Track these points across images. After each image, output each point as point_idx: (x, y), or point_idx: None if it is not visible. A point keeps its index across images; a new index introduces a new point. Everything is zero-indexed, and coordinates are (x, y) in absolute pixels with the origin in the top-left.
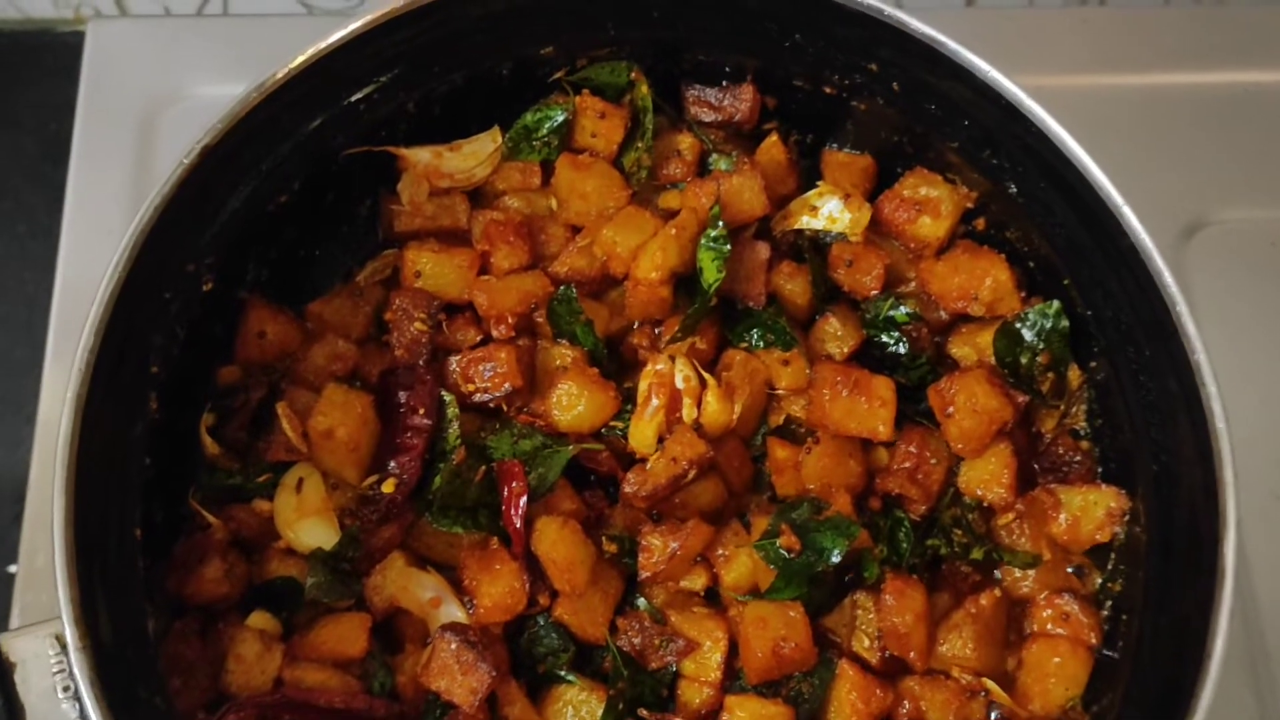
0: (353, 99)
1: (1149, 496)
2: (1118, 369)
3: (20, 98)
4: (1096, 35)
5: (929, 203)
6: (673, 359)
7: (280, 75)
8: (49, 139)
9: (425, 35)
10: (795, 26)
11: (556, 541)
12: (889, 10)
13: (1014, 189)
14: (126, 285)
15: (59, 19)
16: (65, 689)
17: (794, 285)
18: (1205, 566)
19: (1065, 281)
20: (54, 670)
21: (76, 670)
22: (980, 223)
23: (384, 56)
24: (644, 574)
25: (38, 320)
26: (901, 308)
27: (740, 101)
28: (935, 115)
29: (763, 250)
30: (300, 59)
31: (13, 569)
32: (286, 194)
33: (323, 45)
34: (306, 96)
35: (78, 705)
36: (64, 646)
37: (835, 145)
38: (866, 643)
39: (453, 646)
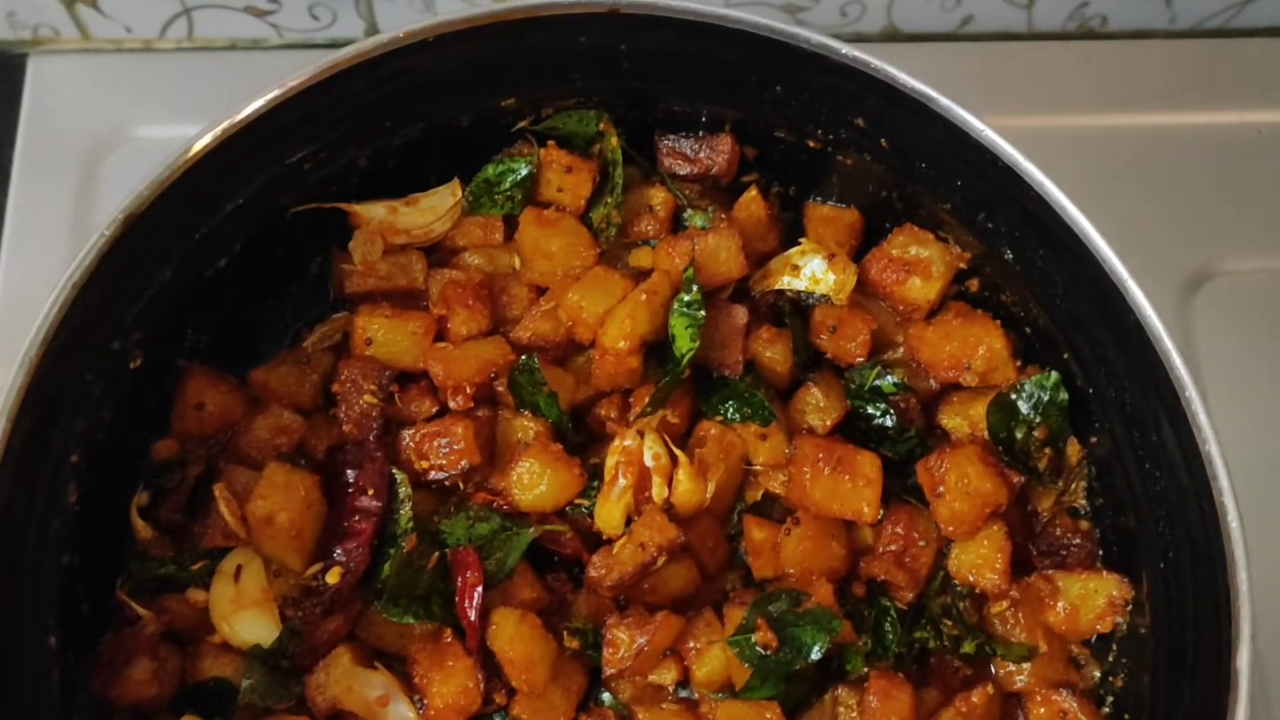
0: (297, 157)
1: (1156, 591)
2: (1120, 450)
3: None
4: (1098, 70)
5: (919, 263)
6: (641, 434)
7: (209, 138)
8: None
9: (377, 90)
10: (776, 78)
11: (514, 637)
12: (875, 63)
13: (1010, 255)
14: (39, 375)
15: (15, 39)
16: None
17: (773, 352)
18: (1217, 673)
19: (1065, 355)
20: None
21: None
22: (974, 284)
23: (332, 114)
24: (609, 670)
25: None
26: (889, 377)
27: (717, 154)
28: (927, 174)
29: (740, 315)
30: (238, 117)
31: None
32: (226, 257)
33: (260, 104)
34: (245, 157)
35: None
36: None
37: (819, 198)
38: None
39: None
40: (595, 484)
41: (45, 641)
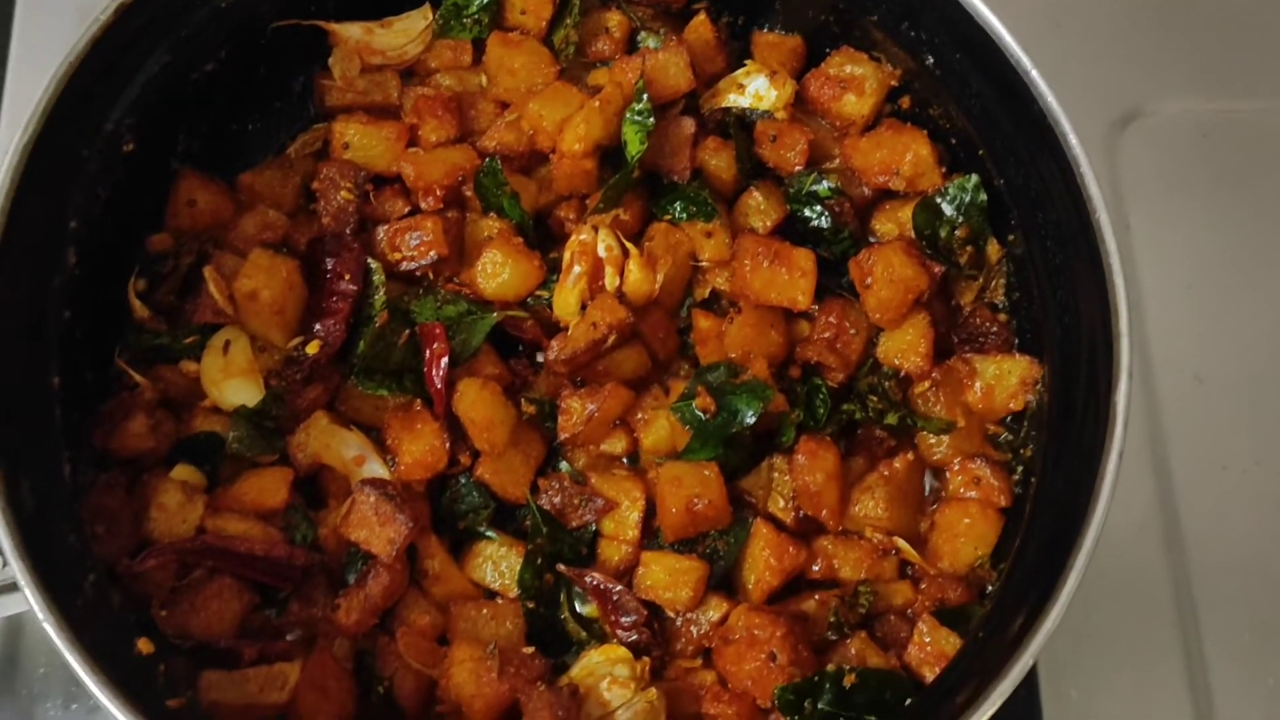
0: None
1: (1054, 357)
2: (1029, 239)
3: None
4: None
5: (854, 80)
6: (596, 229)
7: None
8: None
9: None
10: None
11: (476, 401)
12: None
13: (931, 61)
14: (40, 140)
15: None
16: None
17: (719, 160)
18: (1100, 412)
19: (980, 152)
20: None
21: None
22: (905, 101)
23: None
24: (563, 435)
25: None
26: (824, 182)
27: None
28: None
29: (688, 125)
30: None
31: None
32: (213, 62)
33: None
34: None
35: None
36: None
37: (765, 27)
38: (781, 503)
39: (371, 499)
40: (554, 277)
41: (49, 381)
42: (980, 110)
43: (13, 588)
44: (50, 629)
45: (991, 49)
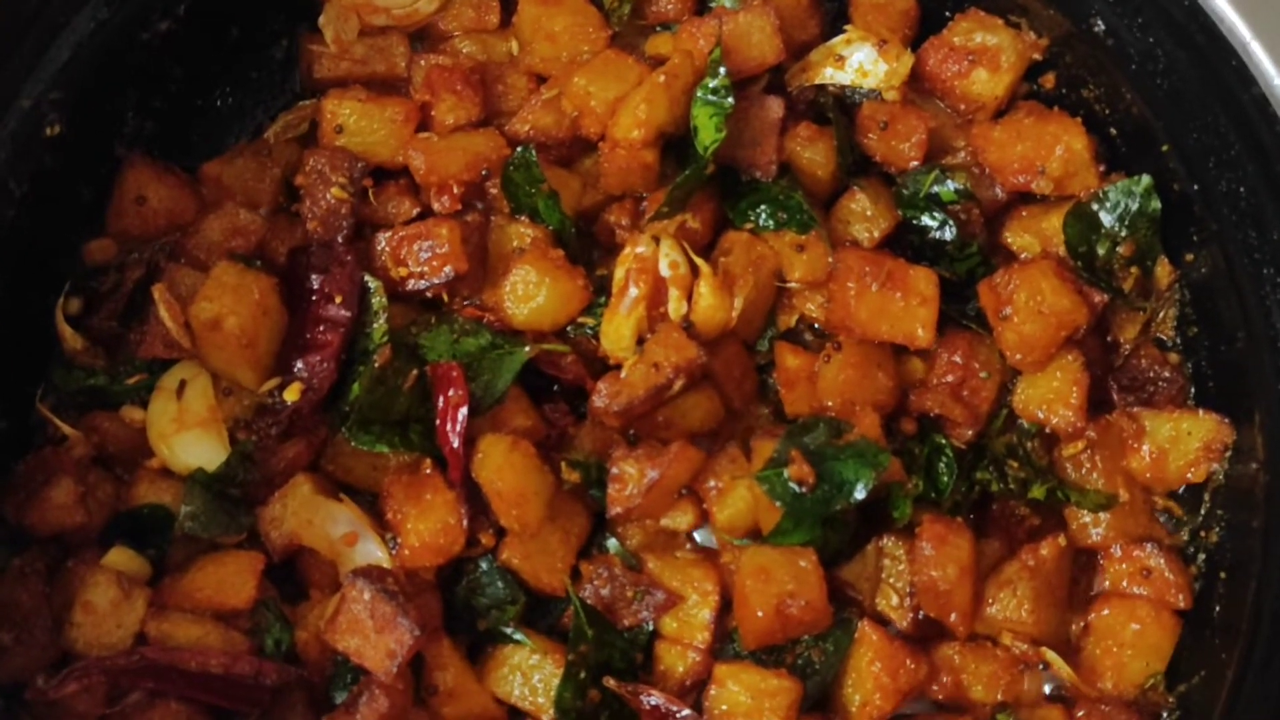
0: None
1: (1266, 428)
2: (1231, 261)
3: None
4: None
5: (985, 52)
6: (657, 240)
7: None
8: None
9: None
10: None
11: (503, 466)
12: None
13: (1100, 26)
14: None
15: None
16: None
17: (813, 153)
18: None
19: (1164, 148)
20: None
21: None
22: (1049, 79)
23: None
24: (614, 509)
25: None
26: (949, 183)
27: None
28: None
29: (775, 107)
30: None
31: None
32: (168, 20)
33: None
34: None
35: None
36: None
37: None
38: (895, 600)
39: (366, 597)
40: (602, 300)
41: None
42: (1168, 92)
43: None
44: None
45: (1194, 9)
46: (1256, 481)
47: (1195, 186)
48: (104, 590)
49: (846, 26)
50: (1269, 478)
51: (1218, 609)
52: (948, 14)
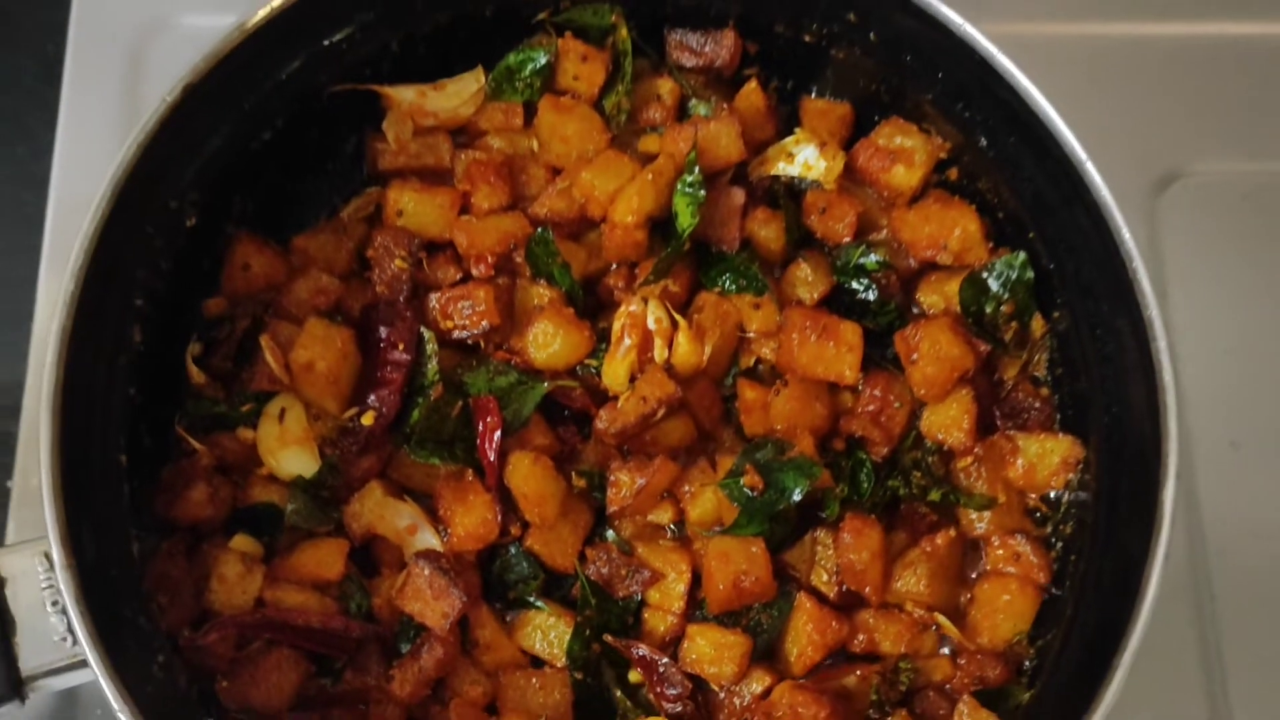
0: (335, 39)
1: (1101, 446)
2: (1078, 322)
3: (18, 18)
4: None
5: (903, 152)
6: (646, 301)
7: (261, 15)
8: (46, 60)
9: None
10: None
11: (528, 476)
12: None
13: (984, 142)
14: (109, 223)
15: None
16: (53, 603)
17: (768, 231)
18: (1147, 513)
19: (1031, 235)
20: (43, 586)
21: (63, 587)
22: (953, 173)
23: None
24: (612, 508)
25: (35, 240)
26: (872, 255)
27: (721, 47)
28: (911, 66)
29: (738, 196)
30: (277, 2)
31: (10, 484)
32: (270, 131)
33: None
34: (288, 36)
35: (65, 619)
36: (52, 564)
37: (814, 92)
38: (825, 577)
39: (426, 572)
40: (603, 346)
41: (117, 459)
42: (1032, 195)
43: (81, 664)
44: None
45: (1047, 139)
46: (1090, 488)
47: (1052, 265)
48: (231, 566)
49: (796, 129)
50: (1097, 485)
51: (1067, 584)
52: (876, 119)
